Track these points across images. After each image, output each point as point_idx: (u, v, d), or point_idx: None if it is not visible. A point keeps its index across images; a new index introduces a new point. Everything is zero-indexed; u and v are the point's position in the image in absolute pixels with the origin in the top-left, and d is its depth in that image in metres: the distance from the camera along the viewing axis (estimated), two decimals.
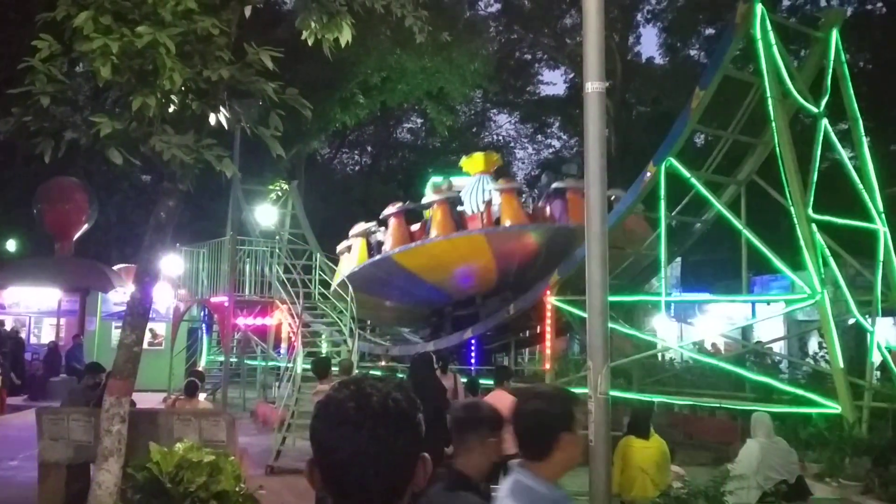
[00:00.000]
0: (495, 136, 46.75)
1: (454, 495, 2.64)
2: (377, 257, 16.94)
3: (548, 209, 16.74)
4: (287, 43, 7.22)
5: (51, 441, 7.66)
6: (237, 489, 6.35)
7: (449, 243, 16.10)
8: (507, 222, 15.95)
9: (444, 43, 18.10)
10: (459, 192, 17.30)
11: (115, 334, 18.64)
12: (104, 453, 6.71)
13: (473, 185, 17.80)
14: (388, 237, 17.20)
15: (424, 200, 17.19)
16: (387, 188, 38.83)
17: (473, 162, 18.71)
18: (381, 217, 17.82)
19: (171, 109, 6.38)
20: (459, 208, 16.95)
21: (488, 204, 16.52)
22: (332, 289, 16.98)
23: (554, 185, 16.66)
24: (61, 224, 22.07)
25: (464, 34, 25.84)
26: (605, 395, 5.43)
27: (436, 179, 31.03)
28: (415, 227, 17.41)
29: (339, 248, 19.17)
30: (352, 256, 18.05)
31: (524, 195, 18.70)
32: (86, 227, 22.85)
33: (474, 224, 16.54)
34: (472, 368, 17.42)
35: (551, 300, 14.84)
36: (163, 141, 6.12)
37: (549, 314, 14.98)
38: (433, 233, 16.36)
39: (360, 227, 18.33)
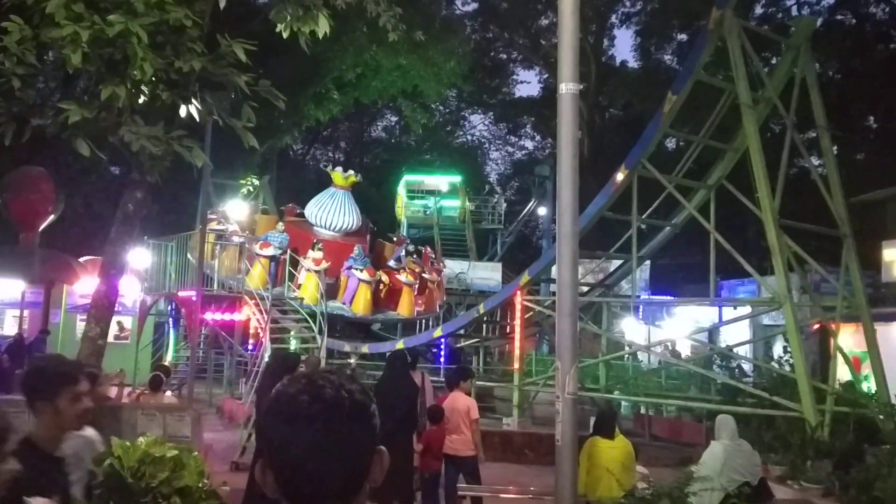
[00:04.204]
0: (469, 136, 46.84)
1: None
2: (212, 271, 17.97)
3: (344, 283, 19.08)
4: (261, 37, 7.14)
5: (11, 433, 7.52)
6: (200, 485, 6.28)
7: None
8: (304, 297, 18.19)
9: (419, 41, 18.12)
10: (280, 249, 18.55)
11: (80, 327, 18.35)
12: None
13: (327, 197, 20.73)
14: (226, 252, 18.68)
15: (255, 250, 18.30)
16: (360, 185, 38.66)
17: (335, 176, 21.34)
18: (227, 233, 19.08)
19: (141, 100, 6.29)
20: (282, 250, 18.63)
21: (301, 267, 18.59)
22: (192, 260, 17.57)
23: (352, 269, 18.91)
24: (26, 214, 21.68)
25: (440, 32, 25.80)
26: (574, 395, 5.45)
27: (409, 177, 31.00)
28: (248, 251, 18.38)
29: (210, 216, 19.39)
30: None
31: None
32: (52, 218, 22.46)
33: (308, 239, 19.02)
34: (441, 367, 17.44)
35: (521, 299, 14.89)
36: (132, 132, 6.04)
37: (519, 313, 15.04)
38: (251, 280, 17.72)
39: (214, 226, 18.95)
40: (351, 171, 21.83)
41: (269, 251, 18.18)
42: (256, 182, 24.92)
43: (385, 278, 19.76)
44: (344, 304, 18.75)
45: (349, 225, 20.58)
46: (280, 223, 19.24)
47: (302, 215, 20.57)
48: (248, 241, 18.73)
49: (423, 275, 20.44)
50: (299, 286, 18.27)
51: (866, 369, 13.13)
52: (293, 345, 16.59)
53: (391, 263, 20.12)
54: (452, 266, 25.31)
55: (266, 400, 1.46)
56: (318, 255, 18.63)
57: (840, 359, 12.24)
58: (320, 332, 15.69)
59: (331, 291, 18.67)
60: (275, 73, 17.38)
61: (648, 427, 15.60)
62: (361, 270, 18.97)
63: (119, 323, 21.71)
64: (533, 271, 15.16)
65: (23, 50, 6.01)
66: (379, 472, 1.45)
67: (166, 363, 17.70)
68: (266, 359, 13.85)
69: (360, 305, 18.74)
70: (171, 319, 22.32)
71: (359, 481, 1.42)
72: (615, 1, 35.64)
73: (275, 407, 1.41)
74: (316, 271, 18.29)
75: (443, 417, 8.71)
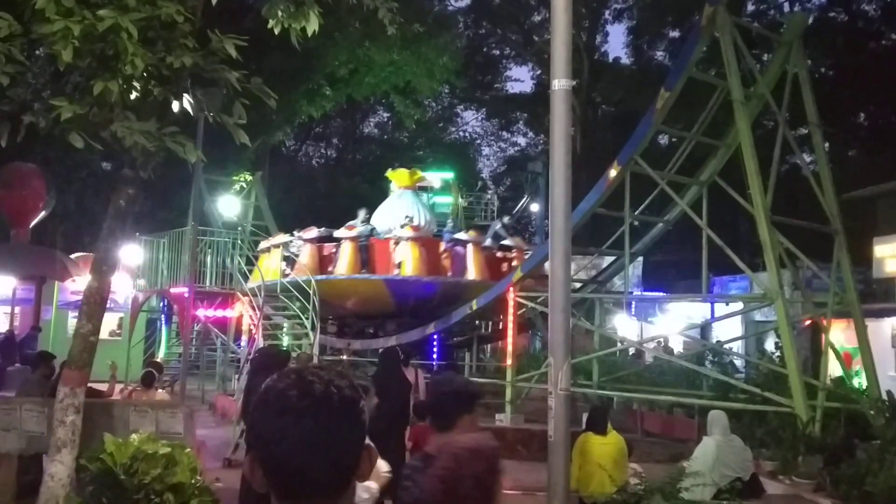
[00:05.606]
0: (462, 133, 46.82)
1: None
2: (289, 278, 17.11)
3: (448, 256, 17.42)
4: (253, 32, 7.13)
5: (2, 431, 7.50)
6: (193, 481, 6.28)
7: (351, 283, 16.88)
8: (407, 269, 16.67)
9: (413, 36, 18.12)
10: (370, 228, 17.66)
11: (72, 324, 18.31)
12: (57, 444, 6.59)
13: (395, 200, 18.99)
14: (301, 256, 17.53)
15: (336, 234, 17.58)
16: (352, 181, 38.66)
17: (398, 176, 19.69)
18: (297, 235, 18.13)
19: (133, 96, 6.26)
20: (372, 234, 17.58)
21: (396, 243, 17.13)
22: (250, 286, 17.05)
23: (455, 236, 17.50)
24: (18, 210, 21.57)
25: (433, 28, 25.80)
26: (566, 391, 5.46)
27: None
28: (328, 246, 17.71)
29: (261, 246, 19.15)
30: (270, 263, 18.11)
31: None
32: (43, 214, 22.35)
33: (382, 252, 17.14)
34: (434, 363, 17.44)
35: (514, 296, 14.90)
36: (125, 127, 6.01)
37: (511, 310, 15.05)
38: (340, 267, 16.92)
39: (279, 238, 18.40)
40: (414, 168, 20.62)
41: (356, 232, 17.15)
42: (249, 178, 24.85)
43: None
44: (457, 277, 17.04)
45: (426, 224, 19.06)
46: (362, 211, 18.13)
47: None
48: (322, 235, 17.82)
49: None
50: (399, 265, 16.85)
51: (857, 365, 13.20)
52: (286, 341, 16.57)
53: (488, 243, 17.99)
54: None
55: (254, 396, 1.46)
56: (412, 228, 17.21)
57: (831, 354, 12.30)
58: (313, 328, 15.67)
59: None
60: (267, 69, 17.43)
61: (641, 423, 15.64)
62: (466, 232, 17.70)
63: (120, 319, 21.69)
64: (526, 267, 15.17)
65: (9, 47, 5.98)
66: (367, 468, 1.45)
67: (158, 360, 17.67)
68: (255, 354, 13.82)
69: (478, 271, 16.74)
70: (163, 316, 22.27)
71: (347, 477, 1.42)
72: None
73: (264, 402, 1.42)
74: (416, 238, 16.81)
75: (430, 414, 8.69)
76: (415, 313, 17.33)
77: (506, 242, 18.26)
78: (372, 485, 4.14)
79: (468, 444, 2.57)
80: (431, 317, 16.85)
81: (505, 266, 17.69)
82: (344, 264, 16.88)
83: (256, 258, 18.60)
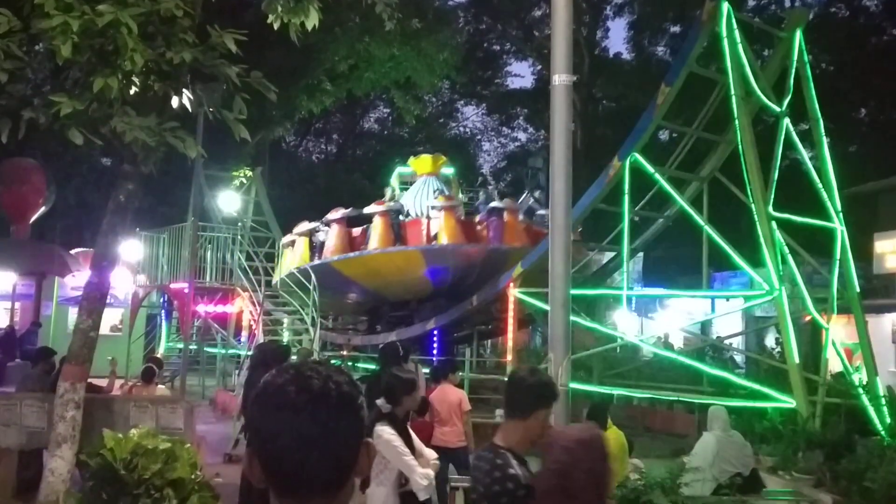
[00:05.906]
0: (462, 128, 46.76)
1: None
2: (317, 262, 16.85)
3: (484, 227, 16.85)
4: (253, 27, 7.10)
5: (2, 427, 7.51)
6: (193, 476, 6.28)
7: (386, 256, 16.39)
8: (443, 240, 16.07)
9: (413, 31, 18.09)
10: (400, 204, 17.30)
11: (72, 319, 18.32)
12: (57, 440, 6.60)
13: (420, 186, 18.39)
14: (329, 239, 17.23)
15: (367, 210, 17.19)
16: (352, 177, 38.63)
17: (421, 163, 19.20)
18: (324, 220, 17.85)
19: (132, 91, 6.25)
20: (401, 217, 17.08)
21: (428, 218, 16.65)
22: (274, 282, 16.91)
23: (491, 205, 16.98)
24: (17, 206, 21.59)
25: (433, 23, 25.74)
26: (566, 387, 5.46)
27: (402, 169, 30.98)
28: (357, 230, 17.38)
29: (284, 241, 19.08)
30: (295, 254, 17.97)
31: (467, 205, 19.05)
32: (43, 209, 22.39)
33: (415, 230, 16.65)
34: (434, 359, 17.45)
35: (514, 292, 14.89)
36: (124, 122, 6.00)
37: (511, 306, 15.04)
38: (372, 243, 16.46)
39: (304, 226, 18.26)
40: (437, 153, 20.23)
41: (386, 207, 16.73)
42: (249, 174, 24.82)
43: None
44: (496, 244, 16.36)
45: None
46: (389, 189, 17.81)
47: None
48: (350, 214, 17.37)
49: None
50: (435, 236, 16.34)
51: (858, 360, 13.18)
52: (286, 336, 16.58)
53: (521, 218, 17.41)
54: None
55: (253, 391, 1.46)
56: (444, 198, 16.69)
57: (832, 350, 12.29)
58: (313, 323, 15.67)
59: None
60: (267, 65, 17.36)
61: (641, 418, 15.64)
62: (500, 200, 17.30)
63: (120, 314, 21.70)
64: (526, 263, 15.15)
65: (8, 43, 5.96)
66: (366, 465, 1.45)
67: (159, 355, 17.69)
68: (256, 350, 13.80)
69: (518, 238, 16.25)
70: (163, 311, 22.28)
71: (345, 473, 1.42)
72: None
73: (262, 397, 1.41)
74: (450, 207, 16.22)
75: (428, 409, 8.71)
76: (453, 293, 16.59)
77: (541, 212, 17.78)
78: (430, 472, 4.31)
79: (577, 436, 2.56)
80: (470, 297, 16.01)
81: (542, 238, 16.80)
82: (376, 239, 16.38)
83: (274, 256, 18.50)
